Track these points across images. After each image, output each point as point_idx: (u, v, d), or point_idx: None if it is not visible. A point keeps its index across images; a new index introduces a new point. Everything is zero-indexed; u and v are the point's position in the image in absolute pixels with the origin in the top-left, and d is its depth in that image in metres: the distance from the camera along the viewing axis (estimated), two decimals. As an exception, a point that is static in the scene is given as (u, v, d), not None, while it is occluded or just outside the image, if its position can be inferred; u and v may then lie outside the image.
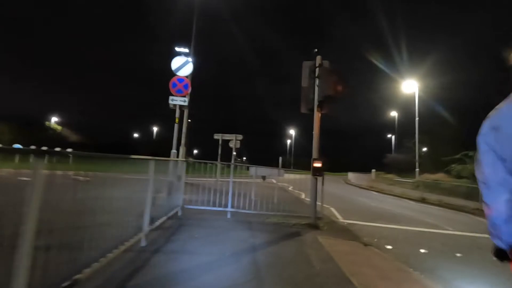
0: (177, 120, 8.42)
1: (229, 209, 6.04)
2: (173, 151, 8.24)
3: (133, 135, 67.05)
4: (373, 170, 42.94)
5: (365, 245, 5.06)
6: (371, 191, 21.66)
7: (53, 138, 48.38)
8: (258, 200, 6.56)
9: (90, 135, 56.90)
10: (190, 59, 8.86)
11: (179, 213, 5.81)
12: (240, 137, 16.82)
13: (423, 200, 16.13)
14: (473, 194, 16.27)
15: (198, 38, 10.53)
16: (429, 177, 23.73)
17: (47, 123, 54.44)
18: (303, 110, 6.64)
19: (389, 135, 51.64)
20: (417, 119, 26.00)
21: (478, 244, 6.08)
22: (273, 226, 5.64)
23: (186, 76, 8.59)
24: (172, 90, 8.24)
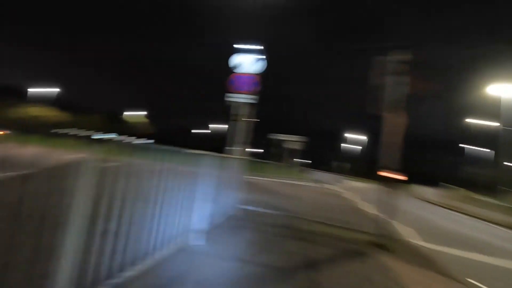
0: (238, 118, 8.37)
1: (284, 213, 5.72)
2: (233, 148, 8.23)
3: (195, 130, 71.38)
4: (443, 184, 37.68)
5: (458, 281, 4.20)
6: (445, 209, 18.99)
7: (137, 130, 54.05)
8: (314, 206, 6.11)
9: (158, 128, 62.43)
10: (261, 56, 8.51)
11: (236, 213, 5.72)
12: (303, 139, 16.38)
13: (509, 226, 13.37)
14: None
15: (270, 33, 10.37)
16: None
17: (129, 115, 61.43)
18: (371, 110, 5.93)
19: (462, 145, 44.29)
20: (506, 128, 21.88)
21: None
22: (332, 239, 5.13)
23: (256, 74, 8.32)
24: (235, 87, 8.13)
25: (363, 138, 53.85)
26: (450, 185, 32.59)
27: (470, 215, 17.20)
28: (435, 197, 25.78)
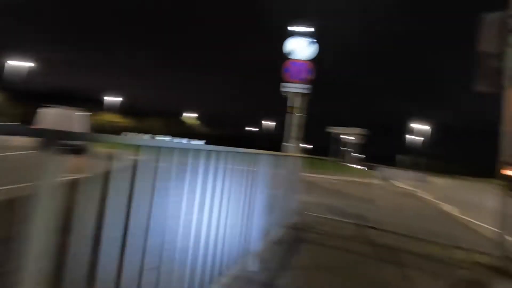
0: (292, 110, 7.43)
1: (355, 221, 4.57)
2: (288, 144, 7.34)
3: (252, 128, 71.99)
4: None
5: None
6: None
7: (191, 131, 57.49)
8: (388, 210, 4.83)
9: (216, 127, 64.91)
10: (314, 39, 7.56)
11: (296, 221, 4.77)
12: (364, 132, 14.62)
13: None
14: None
15: (323, 15, 9.19)
16: None
17: (183, 118, 65.32)
18: (483, 87, 4.38)
19: None
20: None
21: None
22: (430, 261, 3.82)
23: (309, 60, 7.38)
24: (291, 75, 7.25)
25: (427, 128, 47.42)
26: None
27: None
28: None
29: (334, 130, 15.89)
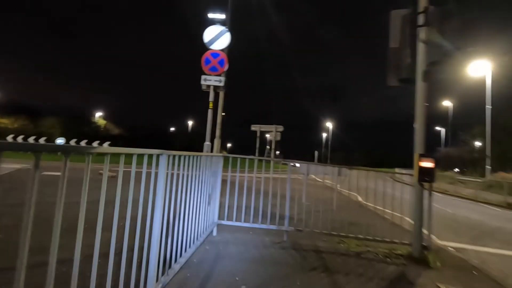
0: (211, 105, 6.68)
1: (286, 227, 4.12)
2: (207, 143, 6.56)
3: (169, 128, 68.09)
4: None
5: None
6: (434, 192, 18.49)
7: (97, 132, 50.86)
8: (312, 207, 4.63)
9: (127, 128, 58.93)
10: (226, 28, 7.03)
11: (214, 233, 4.03)
12: (280, 128, 14.84)
13: (510, 206, 12.92)
14: None
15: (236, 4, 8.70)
16: (506, 176, 19.81)
17: (92, 118, 57.28)
18: (392, 82, 4.49)
19: (437, 128, 45.34)
20: (488, 107, 21.90)
21: None
22: (357, 258, 3.63)
23: (222, 50, 6.81)
24: (205, 68, 6.52)
25: (329, 125, 54.26)
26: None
27: (456, 196, 16.84)
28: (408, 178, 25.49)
29: (257, 127, 15.85)
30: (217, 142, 9.93)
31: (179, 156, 2.36)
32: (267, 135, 18.28)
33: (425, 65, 3.94)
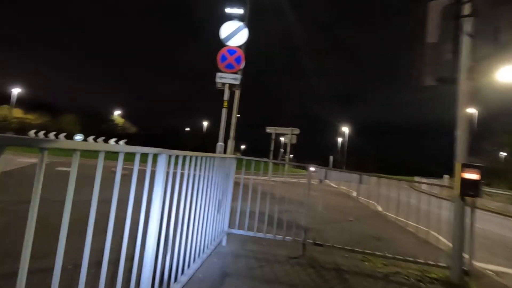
0: (225, 104, 6.35)
1: (303, 240, 3.69)
2: (220, 144, 6.23)
3: (184, 128, 68.67)
4: (446, 176, 36.58)
5: None
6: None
7: (115, 130, 52.11)
8: (329, 217, 4.15)
9: (144, 127, 60.02)
10: (244, 24, 6.70)
11: (224, 243, 3.65)
12: (296, 131, 14.35)
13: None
14: None
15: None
16: (539, 190, 18.38)
17: (111, 116, 58.71)
18: (428, 81, 3.97)
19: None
20: (519, 115, 20.46)
21: None
22: (386, 281, 3.15)
23: (239, 47, 6.48)
24: (221, 65, 6.21)
25: (345, 129, 53.04)
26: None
27: (486, 210, 15.74)
28: (437, 190, 24.28)
29: (272, 130, 15.42)
30: (231, 143, 9.60)
31: (184, 157, 2.00)
32: (282, 138, 17.82)
33: (471, 61, 3.43)
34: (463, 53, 3.50)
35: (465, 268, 3.35)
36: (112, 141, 1.39)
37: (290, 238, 3.69)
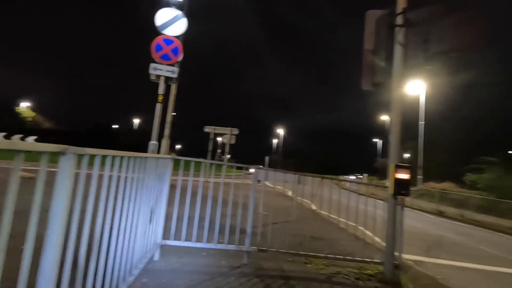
0: (160, 98, 5.74)
1: (247, 247, 3.43)
2: (153, 142, 5.58)
3: (113, 124, 62.31)
4: (365, 175, 41.34)
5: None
6: (374, 199, 19.67)
7: (23, 124, 44.22)
8: (268, 216, 4.05)
9: (63, 123, 52.59)
10: (183, 13, 6.17)
11: (156, 257, 3.15)
12: (236, 131, 14.19)
13: (441, 214, 14.19)
14: (493, 208, 14.57)
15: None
16: (435, 186, 22.08)
17: (17, 108, 49.64)
18: (366, 86, 4.17)
19: (375, 140, 49.74)
20: (421, 123, 24.31)
21: None
22: (330, 284, 3.11)
23: (177, 37, 5.93)
24: (156, 55, 5.58)
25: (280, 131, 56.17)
26: (371, 176, 35.57)
27: (407, 206, 18.07)
28: (358, 187, 27.12)
29: (211, 129, 14.92)
30: (165, 142, 8.86)
31: (103, 157, 1.53)
32: (220, 138, 17.44)
33: (402, 69, 3.68)
34: (395, 61, 3.74)
35: (396, 263, 3.57)
36: (16, 137, 1.10)
37: (233, 245, 3.40)
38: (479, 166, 19.36)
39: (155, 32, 5.77)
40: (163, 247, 3.28)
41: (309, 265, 3.62)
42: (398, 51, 3.74)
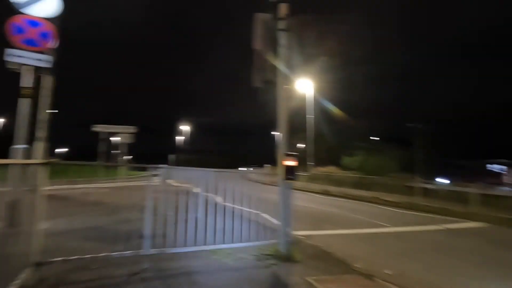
0: (26, 92, 4.82)
1: (145, 250, 3.25)
2: (18, 146, 4.61)
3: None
4: (267, 165, 44.73)
5: (369, 278, 3.45)
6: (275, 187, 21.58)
7: None
8: (174, 216, 4.04)
9: None
10: None
11: (31, 282, 2.63)
12: (132, 129, 12.99)
13: (327, 193, 16.79)
14: (362, 184, 18.24)
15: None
16: (322, 170, 25.88)
17: None
18: (257, 83, 4.52)
19: (273, 133, 54.66)
20: (309, 116, 27.97)
21: (439, 241, 5.57)
22: (233, 271, 3.29)
23: (47, 19, 5.04)
24: (14, 39, 4.64)
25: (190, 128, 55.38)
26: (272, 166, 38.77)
27: (302, 190, 20.43)
28: (262, 177, 29.46)
29: (101, 128, 13.11)
30: (40, 145, 7.44)
31: None
32: (119, 138, 15.65)
33: (286, 68, 4.15)
34: (280, 61, 4.19)
35: (289, 239, 4.06)
36: None
37: (130, 251, 3.17)
38: (352, 151, 23.78)
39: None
40: (40, 268, 2.76)
41: (214, 257, 3.73)
42: (282, 52, 4.21)
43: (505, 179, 26.87)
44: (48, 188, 3.50)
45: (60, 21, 5.62)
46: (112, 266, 3.13)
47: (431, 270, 4.03)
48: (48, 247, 3.08)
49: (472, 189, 10.72)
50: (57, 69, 5.75)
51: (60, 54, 5.68)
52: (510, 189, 16.14)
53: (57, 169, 3.26)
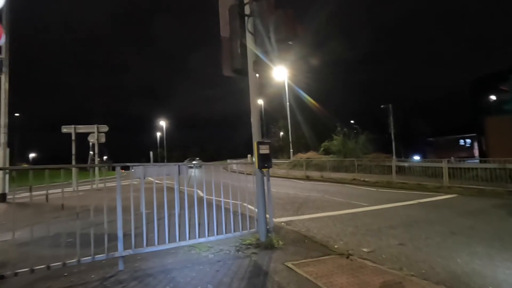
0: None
1: (120, 252, 3.14)
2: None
3: None
4: (249, 156, 44.90)
5: (347, 257, 3.54)
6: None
7: None
8: (152, 214, 3.95)
9: None
10: None
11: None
12: (104, 128, 12.46)
13: (308, 178, 17.09)
14: (341, 167, 18.71)
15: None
16: (302, 156, 26.29)
17: None
18: (227, 72, 4.41)
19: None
20: (288, 104, 28.12)
21: (413, 215, 5.83)
22: (212, 265, 3.26)
23: None
24: None
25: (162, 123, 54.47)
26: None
27: (275, 176, 20.61)
28: (244, 167, 29.48)
29: (70, 129, 12.46)
30: (1, 152, 7.07)
31: None
32: (90, 139, 14.95)
33: (254, 56, 4.07)
34: (249, 48, 4.09)
35: (268, 227, 4.08)
36: None
37: (103, 255, 3.05)
38: (331, 135, 24.26)
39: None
40: (4, 282, 2.60)
41: (193, 252, 3.68)
42: (249, 38, 4.11)
43: (475, 152, 28.58)
44: (19, 196, 3.31)
45: (8, 17, 5.18)
46: (84, 272, 3.01)
47: (405, 243, 4.21)
48: (13, 258, 2.92)
49: (443, 164, 11.26)
50: (16, 70, 5.34)
51: (19, 54, 5.26)
52: (477, 160, 17.15)
53: (33, 174, 3.05)
